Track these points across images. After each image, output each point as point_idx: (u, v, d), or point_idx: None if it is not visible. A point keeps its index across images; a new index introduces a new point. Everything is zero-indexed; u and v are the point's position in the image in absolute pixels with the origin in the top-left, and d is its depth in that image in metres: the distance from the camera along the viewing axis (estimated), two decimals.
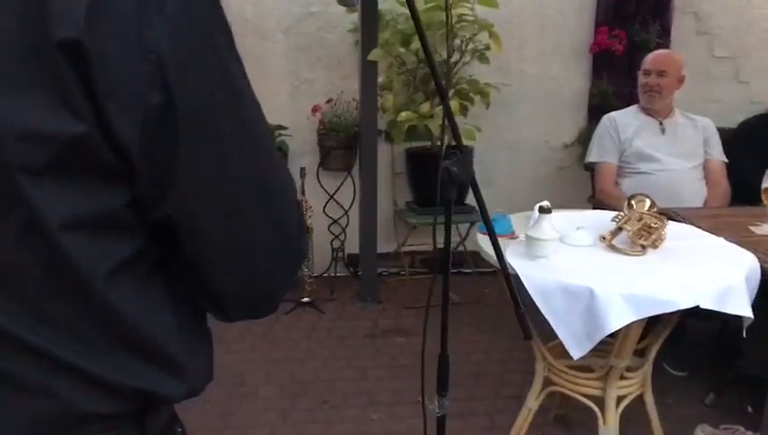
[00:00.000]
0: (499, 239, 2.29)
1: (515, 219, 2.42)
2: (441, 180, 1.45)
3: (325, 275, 4.21)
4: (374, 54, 3.53)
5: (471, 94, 3.77)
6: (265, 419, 2.77)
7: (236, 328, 3.56)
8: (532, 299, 1.95)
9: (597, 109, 4.13)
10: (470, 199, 4.01)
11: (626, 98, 4.03)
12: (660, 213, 2.39)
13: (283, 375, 3.11)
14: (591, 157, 3.51)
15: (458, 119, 3.88)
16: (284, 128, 3.92)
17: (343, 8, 3.79)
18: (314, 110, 3.89)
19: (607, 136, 3.44)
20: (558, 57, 4.28)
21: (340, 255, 4.21)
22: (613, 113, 3.53)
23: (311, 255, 3.87)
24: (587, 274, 1.97)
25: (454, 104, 3.71)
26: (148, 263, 0.72)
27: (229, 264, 0.74)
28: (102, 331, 0.69)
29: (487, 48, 3.73)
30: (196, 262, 0.73)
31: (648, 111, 3.45)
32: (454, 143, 1.50)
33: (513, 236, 2.32)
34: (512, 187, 4.31)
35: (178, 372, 0.75)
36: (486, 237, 2.35)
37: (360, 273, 4.04)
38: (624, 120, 3.45)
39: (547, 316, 1.94)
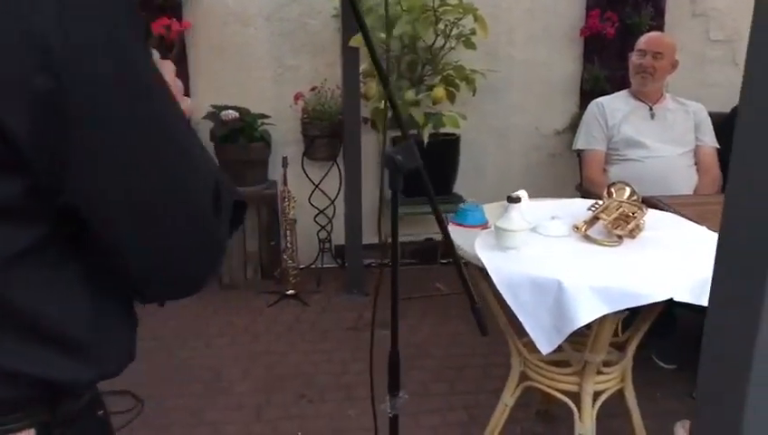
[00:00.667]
0: (470, 231, 2.23)
1: (491, 209, 2.34)
2: (387, 169, 1.38)
3: (312, 266, 4.15)
4: (355, 40, 3.43)
5: (457, 81, 3.67)
6: (239, 415, 2.71)
7: (216, 322, 3.51)
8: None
9: (589, 94, 4.02)
10: (457, 187, 3.93)
11: (618, 82, 3.92)
12: (643, 201, 2.31)
13: (261, 369, 3.05)
14: (578, 144, 3.42)
15: (446, 106, 3.79)
16: (267, 117, 3.85)
17: None
18: (296, 97, 3.81)
19: (594, 123, 3.34)
20: (548, 41, 4.18)
21: (327, 246, 4.14)
22: (601, 99, 3.43)
23: (295, 246, 3.81)
24: (556, 265, 1.89)
25: (439, 91, 3.63)
26: (55, 249, 0.71)
27: (138, 247, 0.73)
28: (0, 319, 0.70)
29: (473, 33, 3.63)
30: (107, 245, 0.73)
31: (638, 96, 3.34)
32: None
33: (485, 226, 2.24)
34: (502, 175, 4.22)
35: (86, 357, 0.75)
36: (459, 229, 2.28)
37: (346, 264, 3.97)
38: (613, 106, 3.35)
39: (515, 310, 1.86)
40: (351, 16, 3.45)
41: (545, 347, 1.85)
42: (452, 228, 2.27)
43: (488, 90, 4.03)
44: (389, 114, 3.50)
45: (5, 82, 0.61)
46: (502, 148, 4.30)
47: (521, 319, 1.87)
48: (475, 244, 2.03)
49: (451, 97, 3.77)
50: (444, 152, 3.81)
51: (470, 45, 3.69)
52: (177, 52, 3.79)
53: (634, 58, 3.33)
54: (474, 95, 3.79)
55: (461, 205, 2.34)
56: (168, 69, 0.82)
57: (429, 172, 3.88)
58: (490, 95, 4.10)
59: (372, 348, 1.47)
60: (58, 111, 0.63)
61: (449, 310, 3.59)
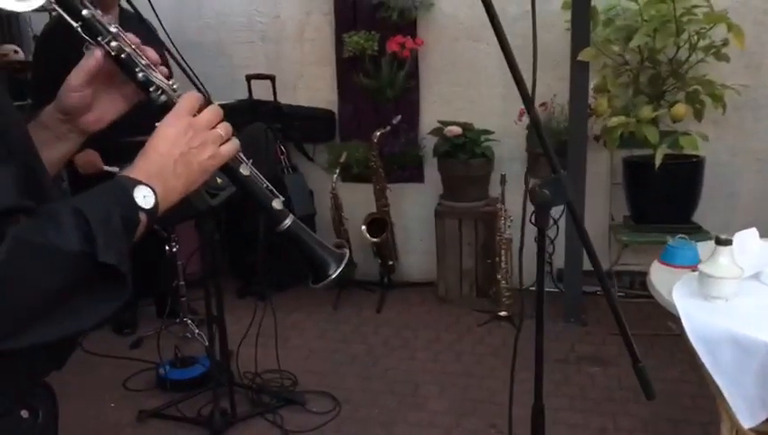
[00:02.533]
0: (673, 271, 1.96)
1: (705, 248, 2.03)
2: (533, 204, 1.25)
3: (532, 288, 3.98)
4: (585, 54, 3.24)
5: (702, 97, 3.27)
6: (427, 434, 2.69)
7: (425, 335, 3.53)
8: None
9: None
10: (699, 216, 3.50)
11: None
12: None
13: (457, 390, 3.00)
14: None
15: (691, 124, 3.41)
16: (491, 132, 3.79)
17: (561, 7, 3.55)
18: (521, 113, 3.69)
19: None
20: None
21: (547, 269, 3.95)
22: None
23: (510, 266, 3.70)
24: None
25: (680, 108, 3.26)
26: None
27: None
28: None
29: (725, 43, 3.21)
30: None
31: None
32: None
33: (696, 268, 1.95)
34: (759, 206, 3.67)
35: None
36: (665, 268, 2.02)
37: (564, 290, 3.76)
38: None
39: (711, 371, 1.59)
40: (582, 29, 3.27)
41: (747, 420, 1.56)
42: (658, 267, 2.02)
43: (748, 107, 3.55)
44: (621, 132, 3.25)
45: None
46: (762, 174, 3.74)
47: (718, 382, 1.60)
48: (673, 287, 1.78)
49: (697, 115, 3.38)
50: (683, 176, 3.41)
51: (722, 57, 3.27)
52: (409, 69, 3.90)
53: None
54: (723, 113, 3.35)
55: (669, 241, 2.06)
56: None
57: (663, 197, 3.54)
58: (750, 113, 3.60)
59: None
60: None
61: (676, 353, 3.21)
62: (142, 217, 0.85)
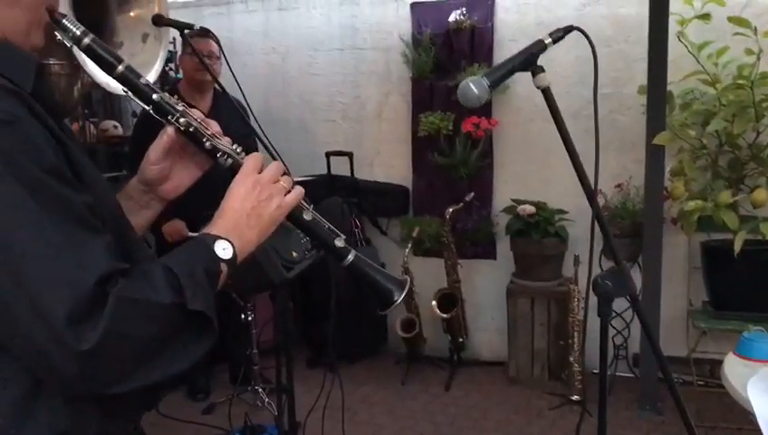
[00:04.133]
0: (750, 365, 1.90)
1: None
2: (596, 296, 1.27)
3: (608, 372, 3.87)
4: (661, 138, 3.23)
5: None
6: None
7: (495, 416, 3.48)
8: None
9: None
10: None
11: None
12: None
13: None
14: None
15: None
16: (564, 212, 3.79)
17: (637, 92, 3.58)
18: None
19: None
20: None
21: (623, 353, 3.84)
22: None
23: (583, 348, 3.62)
24: None
25: (761, 193, 3.18)
26: None
27: (17, 350, 0.86)
28: None
29: None
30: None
31: None
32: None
33: None
34: None
35: None
36: (741, 360, 1.96)
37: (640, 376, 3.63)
38: None
39: None
40: (657, 113, 3.29)
41: None
42: (733, 360, 1.96)
43: None
44: (698, 216, 3.19)
45: None
46: None
47: None
48: (749, 381, 1.72)
49: None
50: (764, 262, 3.30)
51: None
52: (483, 148, 3.98)
53: None
54: None
55: (744, 332, 2.00)
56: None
57: (744, 283, 3.43)
58: None
59: None
60: None
61: None
62: (223, 267, 0.98)
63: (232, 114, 2.72)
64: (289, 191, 1.10)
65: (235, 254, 1.00)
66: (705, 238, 3.50)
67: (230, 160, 1.11)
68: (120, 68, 1.09)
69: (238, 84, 2.52)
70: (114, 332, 0.82)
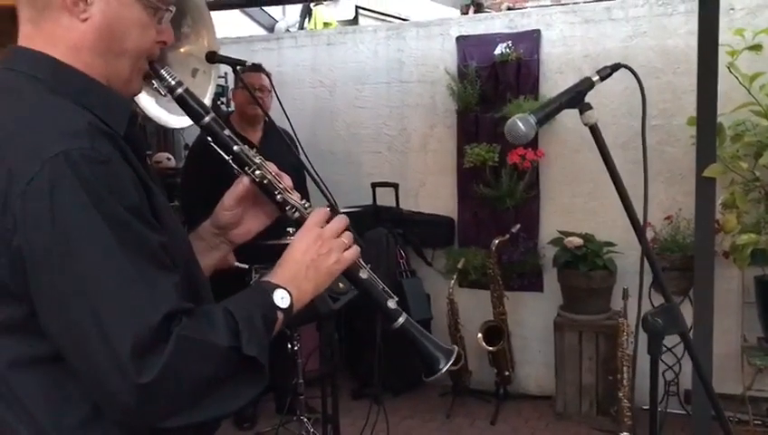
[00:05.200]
0: None
1: None
2: (646, 333, 1.26)
3: (658, 409, 3.77)
4: (711, 171, 3.17)
5: None
6: None
7: None
8: None
9: None
10: None
11: None
12: None
13: None
14: None
15: None
16: (613, 244, 3.75)
17: (686, 123, 3.54)
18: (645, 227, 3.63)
19: None
20: None
21: (674, 389, 3.74)
22: None
23: (633, 384, 3.54)
24: None
25: None
26: (59, 367, 0.92)
27: (76, 371, 0.91)
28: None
29: None
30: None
31: None
32: None
33: None
34: None
35: None
36: None
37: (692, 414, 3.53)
38: None
39: None
40: (706, 146, 3.24)
41: None
42: None
43: None
44: (751, 250, 3.12)
45: None
46: None
47: None
48: None
49: None
50: None
51: None
52: (530, 179, 3.98)
53: None
54: None
55: None
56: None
57: None
58: None
59: None
60: (15, 253, 0.87)
61: None
62: (279, 315, 1.03)
63: (281, 146, 2.78)
64: (348, 248, 1.15)
65: (291, 303, 1.04)
66: (760, 273, 3.43)
67: (297, 214, 1.18)
68: (207, 119, 1.17)
69: (287, 117, 2.59)
70: (173, 368, 0.87)
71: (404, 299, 3.85)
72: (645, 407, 3.69)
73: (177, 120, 2.52)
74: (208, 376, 0.91)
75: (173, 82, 1.13)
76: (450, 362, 1.17)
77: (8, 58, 1.02)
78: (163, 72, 1.12)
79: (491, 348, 3.89)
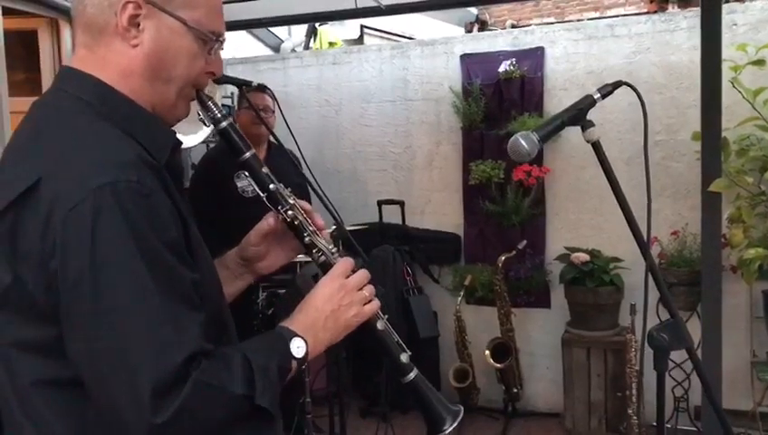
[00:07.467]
0: None
1: None
2: (651, 348, 1.26)
3: (667, 425, 3.75)
4: (717, 185, 3.18)
5: None
6: None
7: None
8: None
9: None
10: None
11: None
12: None
13: None
14: None
15: None
16: (620, 260, 3.74)
17: (691, 138, 3.55)
18: (652, 242, 3.63)
19: None
20: None
21: (683, 405, 3.72)
22: None
23: (642, 401, 3.52)
24: None
25: None
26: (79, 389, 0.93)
27: (93, 397, 0.92)
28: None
29: None
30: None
31: None
32: None
33: None
34: None
35: None
36: None
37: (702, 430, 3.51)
38: None
39: None
40: (711, 160, 3.24)
41: None
42: None
43: None
44: (759, 264, 3.12)
45: (33, 260, 0.90)
46: None
47: None
48: None
49: None
50: None
51: None
52: (536, 195, 3.98)
53: None
54: None
55: None
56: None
57: None
58: None
59: None
60: (51, 277, 0.88)
61: None
62: (294, 364, 1.04)
63: (285, 164, 2.79)
64: (369, 301, 1.16)
65: (306, 353, 1.06)
66: (766, 288, 3.41)
67: (323, 258, 1.18)
68: (248, 154, 1.19)
69: (293, 136, 2.60)
70: (187, 411, 0.88)
71: (411, 317, 3.84)
72: (654, 423, 3.66)
73: (185, 138, 2.55)
74: (220, 420, 0.93)
75: (219, 115, 1.15)
76: (455, 425, 1.17)
77: (59, 78, 1.05)
78: (210, 103, 1.14)
79: (499, 365, 3.87)
